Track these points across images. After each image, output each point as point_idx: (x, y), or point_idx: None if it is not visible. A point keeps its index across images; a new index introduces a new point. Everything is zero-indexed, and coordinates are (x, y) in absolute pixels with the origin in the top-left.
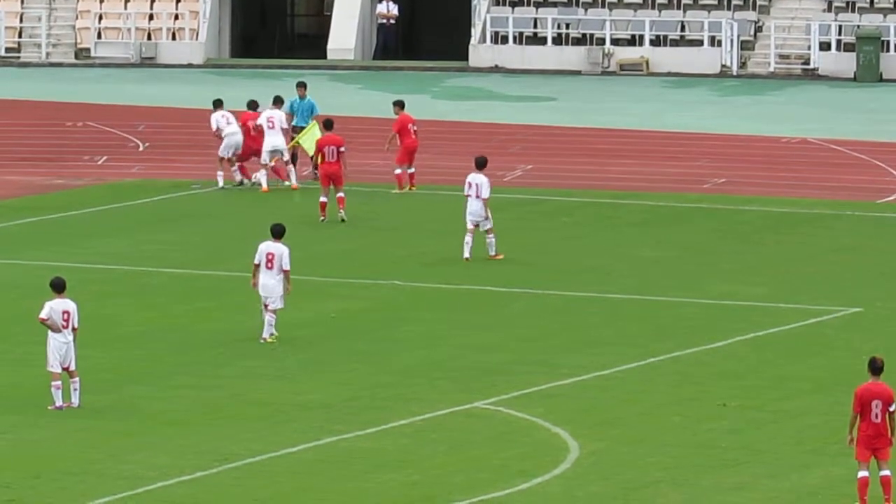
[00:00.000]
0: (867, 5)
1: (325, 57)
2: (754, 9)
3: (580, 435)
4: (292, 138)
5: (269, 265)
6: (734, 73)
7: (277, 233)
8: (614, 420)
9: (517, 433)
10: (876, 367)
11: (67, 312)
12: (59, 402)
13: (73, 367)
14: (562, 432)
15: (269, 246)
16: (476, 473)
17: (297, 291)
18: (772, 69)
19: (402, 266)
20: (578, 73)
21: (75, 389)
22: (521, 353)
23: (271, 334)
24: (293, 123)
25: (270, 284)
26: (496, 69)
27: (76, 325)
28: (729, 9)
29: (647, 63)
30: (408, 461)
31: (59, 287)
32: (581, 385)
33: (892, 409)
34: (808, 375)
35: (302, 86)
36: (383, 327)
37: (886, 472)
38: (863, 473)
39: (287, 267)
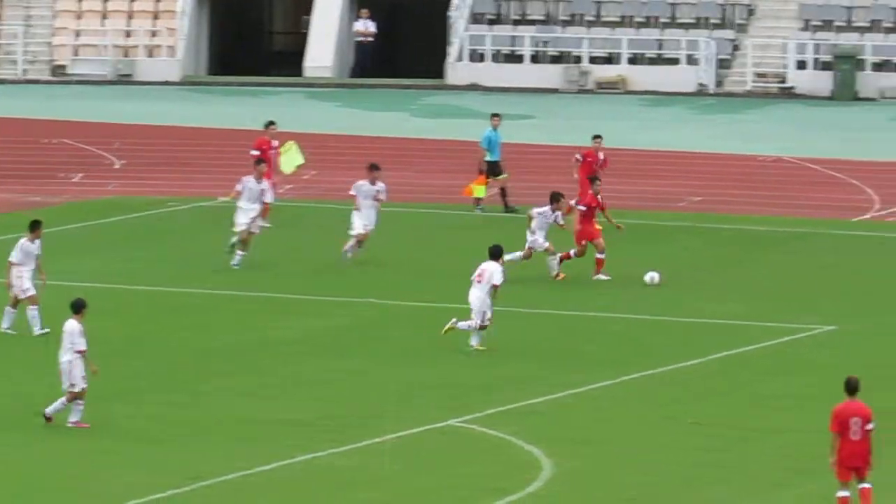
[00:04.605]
0: (844, 24)
1: (302, 74)
2: (732, 27)
3: (554, 453)
4: (485, 176)
5: (479, 279)
6: (711, 92)
7: (495, 254)
8: (588, 438)
9: (491, 451)
10: (851, 387)
11: (64, 333)
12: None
13: (75, 389)
14: (535, 450)
15: (484, 264)
16: (450, 491)
17: (273, 309)
18: (749, 88)
19: (378, 283)
20: (556, 91)
21: (72, 408)
22: (496, 370)
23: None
24: (487, 159)
25: (479, 296)
26: (474, 87)
27: (75, 347)
28: (706, 27)
29: (625, 81)
30: (382, 479)
31: (72, 307)
32: (556, 403)
33: (869, 426)
34: (784, 393)
35: (497, 116)
36: (360, 345)
37: (866, 485)
38: (843, 493)
39: (497, 282)
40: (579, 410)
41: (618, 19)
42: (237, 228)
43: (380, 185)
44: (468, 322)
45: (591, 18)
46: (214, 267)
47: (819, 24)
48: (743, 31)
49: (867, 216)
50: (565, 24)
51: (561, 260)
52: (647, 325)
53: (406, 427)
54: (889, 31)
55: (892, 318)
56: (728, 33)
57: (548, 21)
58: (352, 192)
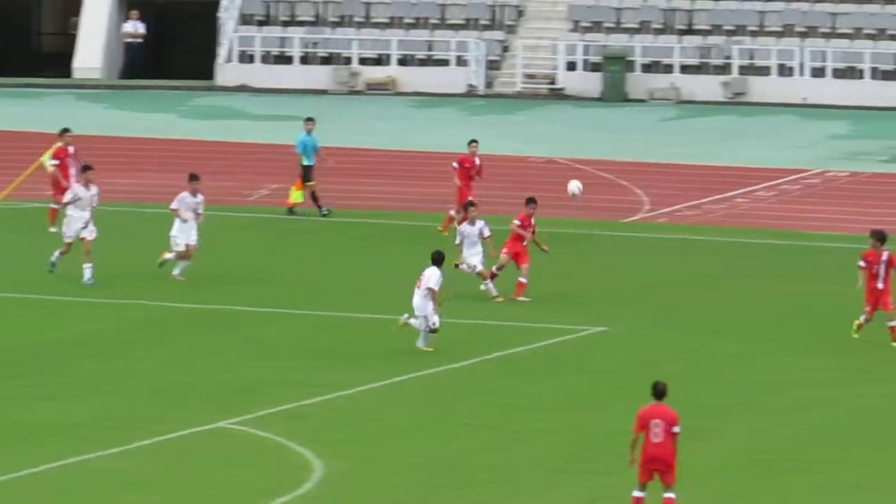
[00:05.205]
0: (613, 25)
1: (71, 75)
2: (501, 29)
3: (324, 454)
4: (301, 180)
5: (419, 284)
6: (481, 93)
7: (435, 259)
8: (358, 439)
9: (262, 453)
10: (658, 391)
11: None
12: None
13: None
14: (306, 452)
15: (426, 269)
16: (220, 493)
17: (47, 312)
18: (518, 89)
19: (150, 286)
20: (325, 92)
21: None
22: (267, 372)
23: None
24: (303, 163)
25: (417, 302)
26: (243, 88)
27: None
28: (476, 29)
29: (394, 82)
30: (152, 481)
31: None
32: (327, 404)
33: (675, 430)
34: (552, 394)
35: (311, 120)
36: (132, 347)
37: (670, 495)
38: (637, 493)
39: (431, 286)
40: (350, 411)
41: (387, 20)
42: (67, 240)
43: (199, 197)
44: (418, 322)
45: (360, 20)
46: None
47: (588, 25)
48: (512, 32)
49: (637, 217)
50: (335, 25)
51: (492, 278)
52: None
53: (176, 429)
54: (658, 32)
55: (661, 319)
56: (498, 34)
57: (317, 22)
58: (174, 206)
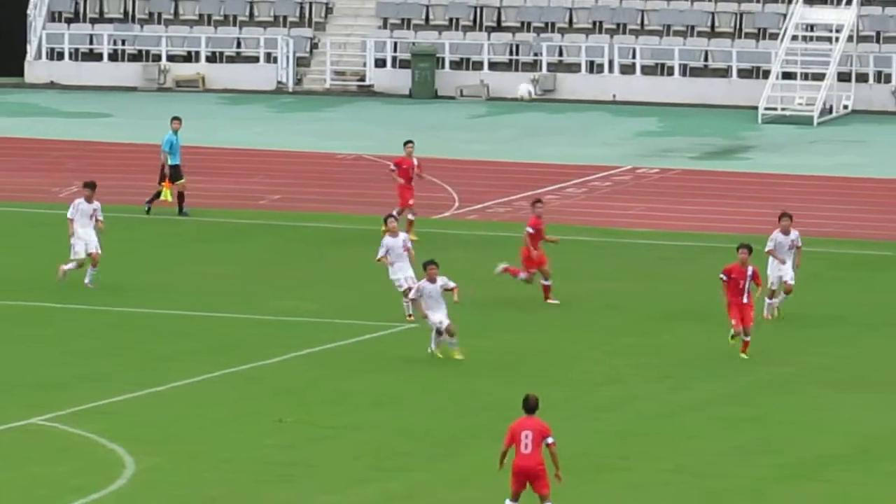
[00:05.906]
0: (422, 22)
1: None
2: (310, 25)
3: (136, 451)
4: (169, 180)
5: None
6: (290, 90)
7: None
8: (170, 436)
9: (73, 449)
10: (529, 406)
11: None
12: None
13: None
14: (118, 448)
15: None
16: (32, 490)
17: None
18: (327, 86)
19: None
20: (135, 89)
21: None
22: (79, 369)
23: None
24: (170, 163)
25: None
26: (52, 85)
27: None
28: (285, 25)
29: (203, 79)
30: None
31: None
32: (137, 401)
33: (549, 441)
34: (364, 390)
35: (177, 119)
36: None
37: None
38: (509, 503)
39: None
40: (163, 408)
41: (196, 17)
42: None
43: (96, 204)
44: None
45: (169, 17)
46: None
47: (397, 22)
48: (321, 29)
49: (447, 214)
50: (143, 22)
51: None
52: (228, 323)
53: None
54: (466, 29)
55: (474, 316)
56: (306, 31)
57: (126, 19)
58: (70, 216)
